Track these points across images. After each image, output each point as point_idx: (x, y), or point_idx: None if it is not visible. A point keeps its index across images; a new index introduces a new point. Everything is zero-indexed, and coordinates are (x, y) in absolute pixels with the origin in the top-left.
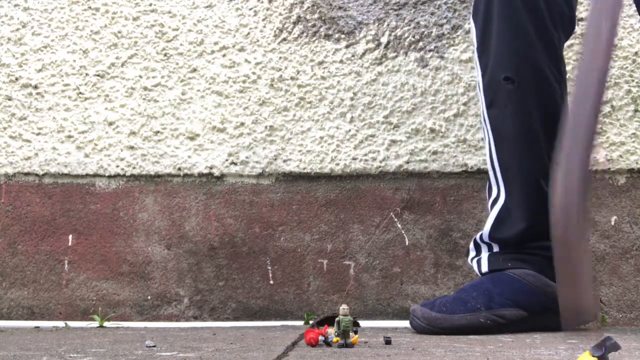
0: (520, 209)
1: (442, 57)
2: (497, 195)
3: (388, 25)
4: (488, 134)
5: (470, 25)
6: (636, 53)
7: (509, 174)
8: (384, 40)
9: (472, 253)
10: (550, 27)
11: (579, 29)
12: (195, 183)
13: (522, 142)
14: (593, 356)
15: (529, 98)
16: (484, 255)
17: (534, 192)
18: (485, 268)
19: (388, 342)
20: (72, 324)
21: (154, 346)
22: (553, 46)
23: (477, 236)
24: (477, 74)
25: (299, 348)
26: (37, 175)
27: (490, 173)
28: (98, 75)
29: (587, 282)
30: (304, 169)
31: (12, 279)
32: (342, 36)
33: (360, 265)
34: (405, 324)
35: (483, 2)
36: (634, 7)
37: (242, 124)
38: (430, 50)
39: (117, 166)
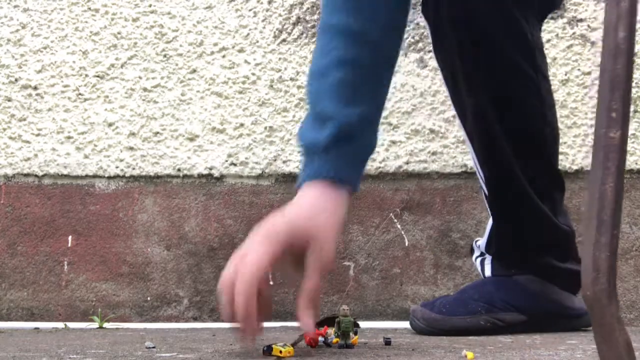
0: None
1: None
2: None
3: None
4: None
5: (422, 20)
6: (636, 54)
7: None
8: None
9: (477, 252)
10: (516, 13)
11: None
12: (194, 184)
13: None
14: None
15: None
16: (488, 257)
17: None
18: (488, 272)
19: (388, 343)
20: (72, 325)
21: (154, 347)
22: (522, 36)
23: (483, 245)
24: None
25: (299, 349)
26: (36, 176)
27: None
28: (98, 76)
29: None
30: None
31: (11, 280)
32: None
33: (359, 266)
34: (405, 324)
35: None
36: None
37: (242, 124)
38: (429, 51)
39: (117, 167)
